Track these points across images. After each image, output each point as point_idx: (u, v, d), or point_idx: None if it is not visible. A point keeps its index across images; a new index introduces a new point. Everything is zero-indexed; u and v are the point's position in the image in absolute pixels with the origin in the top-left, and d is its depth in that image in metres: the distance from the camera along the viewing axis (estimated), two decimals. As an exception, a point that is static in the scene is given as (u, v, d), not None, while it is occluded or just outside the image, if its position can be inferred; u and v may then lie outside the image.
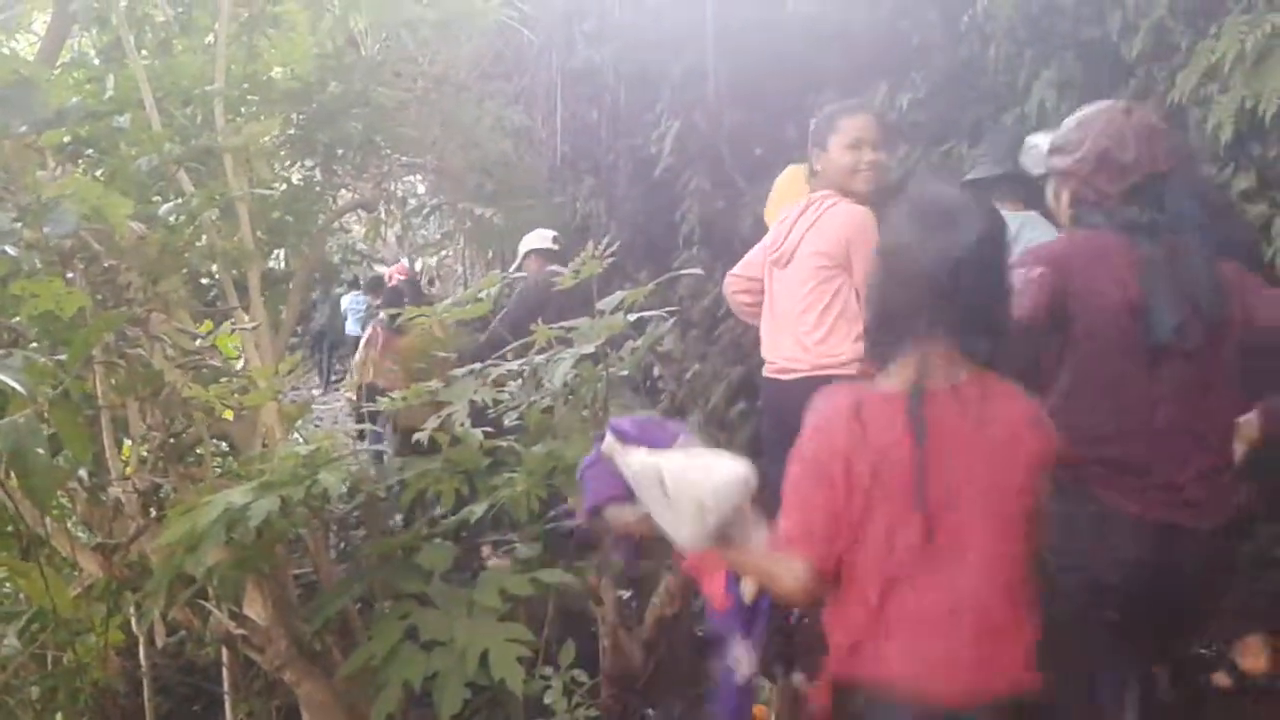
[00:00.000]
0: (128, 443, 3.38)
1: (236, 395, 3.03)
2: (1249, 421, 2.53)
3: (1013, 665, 1.88)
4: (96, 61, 4.04)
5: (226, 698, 3.48)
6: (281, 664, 3.10)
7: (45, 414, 2.24)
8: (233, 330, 3.42)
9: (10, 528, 3.13)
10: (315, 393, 14.43)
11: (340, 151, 4.54)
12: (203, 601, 3.12)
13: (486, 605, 2.95)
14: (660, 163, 6.77)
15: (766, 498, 2.00)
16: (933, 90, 5.04)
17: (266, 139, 3.82)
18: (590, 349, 3.12)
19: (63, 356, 2.44)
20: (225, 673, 3.47)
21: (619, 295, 3.27)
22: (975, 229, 1.85)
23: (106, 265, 2.93)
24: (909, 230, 1.92)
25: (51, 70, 3.56)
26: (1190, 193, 2.61)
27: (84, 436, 2.48)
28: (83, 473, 3.31)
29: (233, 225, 3.51)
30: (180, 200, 3.30)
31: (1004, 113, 4.73)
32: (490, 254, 9.49)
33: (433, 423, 3.27)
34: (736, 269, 3.87)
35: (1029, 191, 3.51)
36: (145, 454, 3.21)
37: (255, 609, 3.15)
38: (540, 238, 6.08)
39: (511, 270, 5.48)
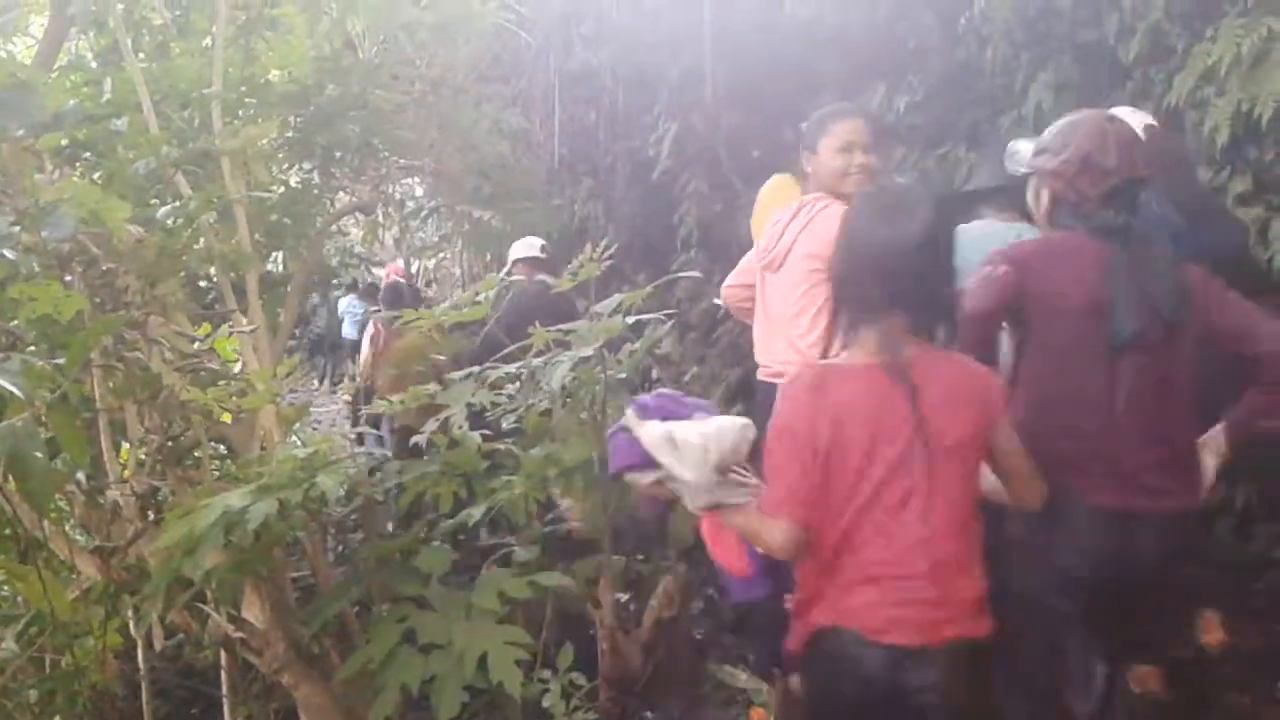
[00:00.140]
0: (126, 446, 3.38)
1: (235, 398, 3.03)
2: (1215, 437, 2.63)
3: (966, 610, 2.12)
4: (94, 64, 4.04)
5: (225, 700, 3.48)
6: (280, 667, 3.10)
7: (43, 417, 2.24)
8: (231, 333, 3.42)
9: (8, 531, 3.13)
10: (314, 396, 14.43)
11: (338, 154, 4.55)
12: (201, 604, 3.12)
13: (485, 608, 2.95)
14: (658, 165, 6.78)
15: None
16: (930, 93, 5.04)
17: (264, 142, 3.81)
18: (588, 352, 3.12)
19: (61, 360, 2.44)
20: (223, 675, 3.47)
21: (617, 298, 3.28)
22: (924, 222, 2.11)
23: (105, 268, 2.93)
24: (867, 222, 2.19)
25: (49, 73, 3.56)
26: (1168, 199, 2.85)
27: (82, 440, 2.48)
28: (81, 476, 3.30)
29: (230, 228, 3.51)
30: (178, 203, 3.30)
31: (1001, 115, 4.74)
32: (488, 256, 9.49)
33: (431, 426, 3.27)
34: (732, 279, 3.88)
35: (1023, 202, 3.53)
36: (143, 457, 3.21)
37: (253, 612, 3.15)
38: (528, 246, 6.16)
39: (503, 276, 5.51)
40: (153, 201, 3.47)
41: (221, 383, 3.09)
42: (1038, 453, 2.36)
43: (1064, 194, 2.61)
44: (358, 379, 8.23)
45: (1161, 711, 3.54)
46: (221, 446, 3.72)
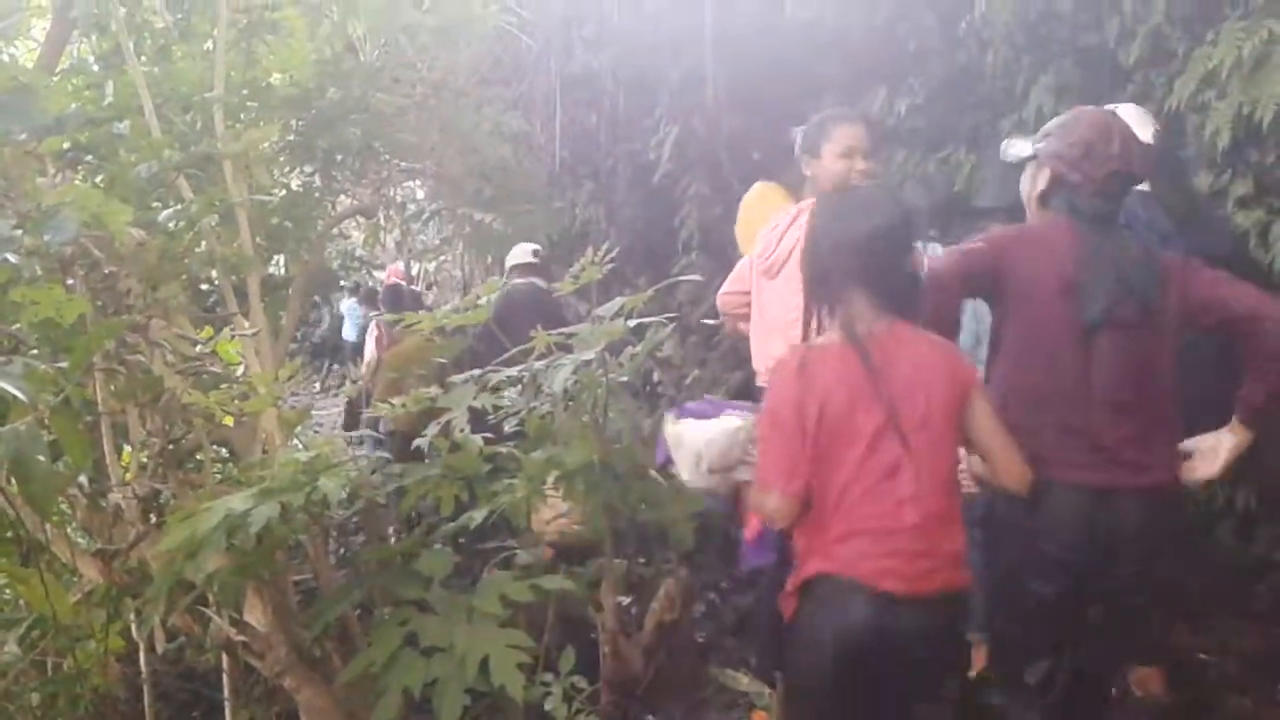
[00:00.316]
0: (127, 449, 3.38)
1: (236, 401, 3.03)
2: (1232, 427, 2.66)
3: (950, 561, 2.33)
4: (96, 68, 4.03)
5: (226, 704, 3.48)
6: (281, 670, 3.10)
7: (45, 421, 2.24)
8: (233, 336, 3.42)
9: (10, 534, 3.13)
10: (315, 399, 14.44)
11: (339, 157, 4.55)
12: (203, 608, 3.12)
13: (486, 611, 2.95)
14: (659, 168, 6.78)
15: None
16: (931, 96, 5.05)
17: (266, 145, 3.81)
18: (590, 355, 3.12)
19: (63, 363, 2.44)
20: (225, 679, 3.47)
21: (618, 301, 3.28)
22: (876, 215, 2.39)
23: (106, 272, 2.93)
24: (826, 216, 2.49)
25: (51, 77, 3.56)
26: (1158, 203, 3.07)
27: (84, 443, 2.48)
28: (83, 479, 3.31)
29: (232, 231, 3.51)
30: (180, 206, 3.30)
31: (1002, 119, 4.74)
32: (489, 259, 9.49)
33: (433, 429, 3.27)
34: (728, 286, 3.86)
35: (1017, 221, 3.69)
36: (145, 460, 3.21)
37: (255, 615, 3.15)
38: (521, 253, 6.35)
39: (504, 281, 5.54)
40: (154, 205, 3.47)
41: (223, 386, 3.09)
42: (1017, 432, 2.50)
43: (1065, 175, 2.70)
44: (360, 381, 8.23)
45: (1163, 714, 3.55)
46: (223, 450, 3.72)
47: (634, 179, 7.67)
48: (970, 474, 2.69)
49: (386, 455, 3.45)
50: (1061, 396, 2.63)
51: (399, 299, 8.97)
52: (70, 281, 2.88)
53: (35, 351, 2.80)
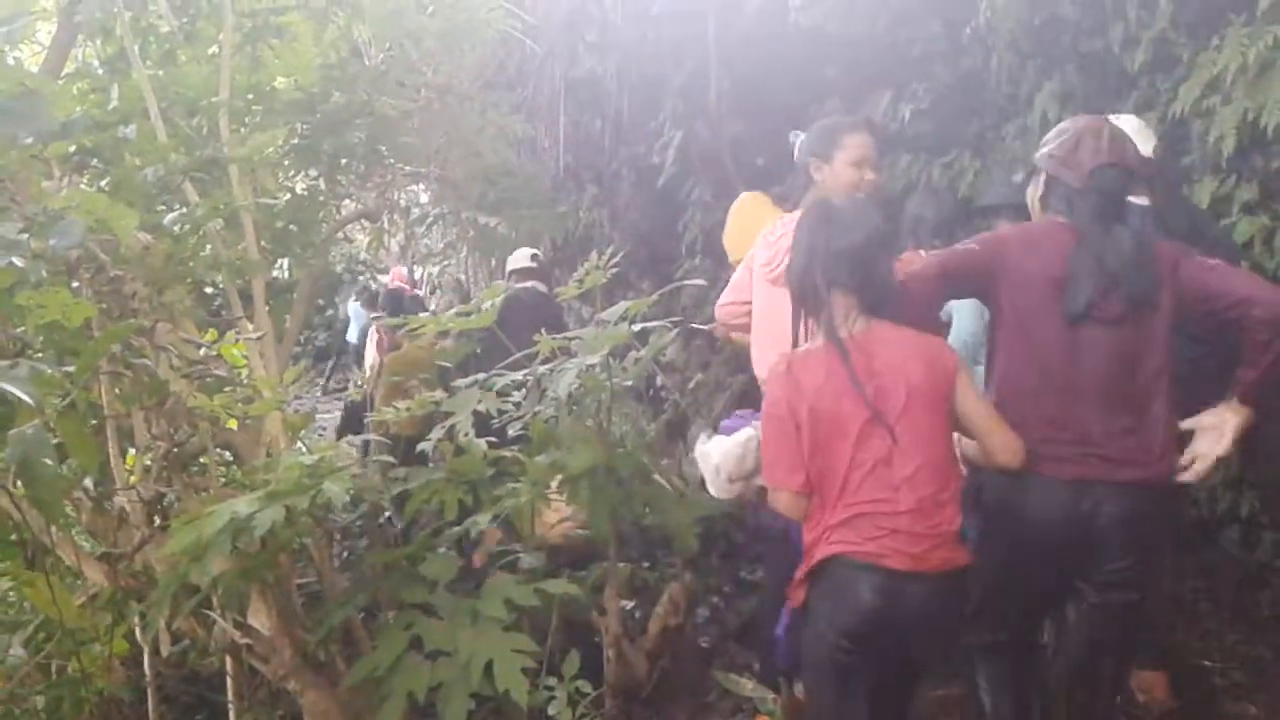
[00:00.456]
0: (132, 452, 3.39)
1: (241, 405, 3.04)
2: (1224, 405, 2.70)
3: (948, 539, 2.46)
4: (101, 72, 4.04)
5: (230, 707, 3.48)
6: (286, 673, 3.10)
7: (51, 424, 2.24)
8: (238, 340, 3.42)
9: (14, 537, 3.13)
10: (318, 402, 14.46)
11: (344, 161, 4.55)
12: (207, 611, 3.13)
13: (491, 616, 2.96)
14: (663, 173, 6.78)
15: None
16: (935, 101, 5.04)
17: (271, 149, 3.82)
18: (594, 359, 3.12)
19: (69, 367, 2.45)
20: (229, 682, 3.47)
21: (622, 305, 3.28)
22: (864, 226, 2.55)
23: (112, 275, 2.94)
24: (809, 226, 2.63)
25: (56, 81, 3.57)
26: (1156, 219, 3.15)
27: (91, 446, 2.49)
28: (88, 482, 3.31)
29: (237, 235, 3.52)
30: (185, 210, 3.31)
31: (1006, 124, 4.74)
32: (493, 263, 9.50)
33: (437, 433, 3.28)
34: (728, 296, 3.71)
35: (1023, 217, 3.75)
36: (150, 463, 3.21)
37: (260, 618, 3.15)
38: (521, 257, 6.47)
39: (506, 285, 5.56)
40: (160, 209, 3.48)
41: (228, 389, 3.09)
42: (1009, 422, 2.62)
43: (1060, 175, 2.79)
44: (363, 385, 8.23)
45: (1164, 714, 3.55)
46: (227, 453, 3.72)
47: (638, 183, 7.66)
48: (961, 457, 2.76)
49: (390, 460, 3.44)
50: (1046, 390, 2.70)
51: (399, 303, 8.98)
52: (76, 285, 2.89)
53: (41, 355, 2.80)
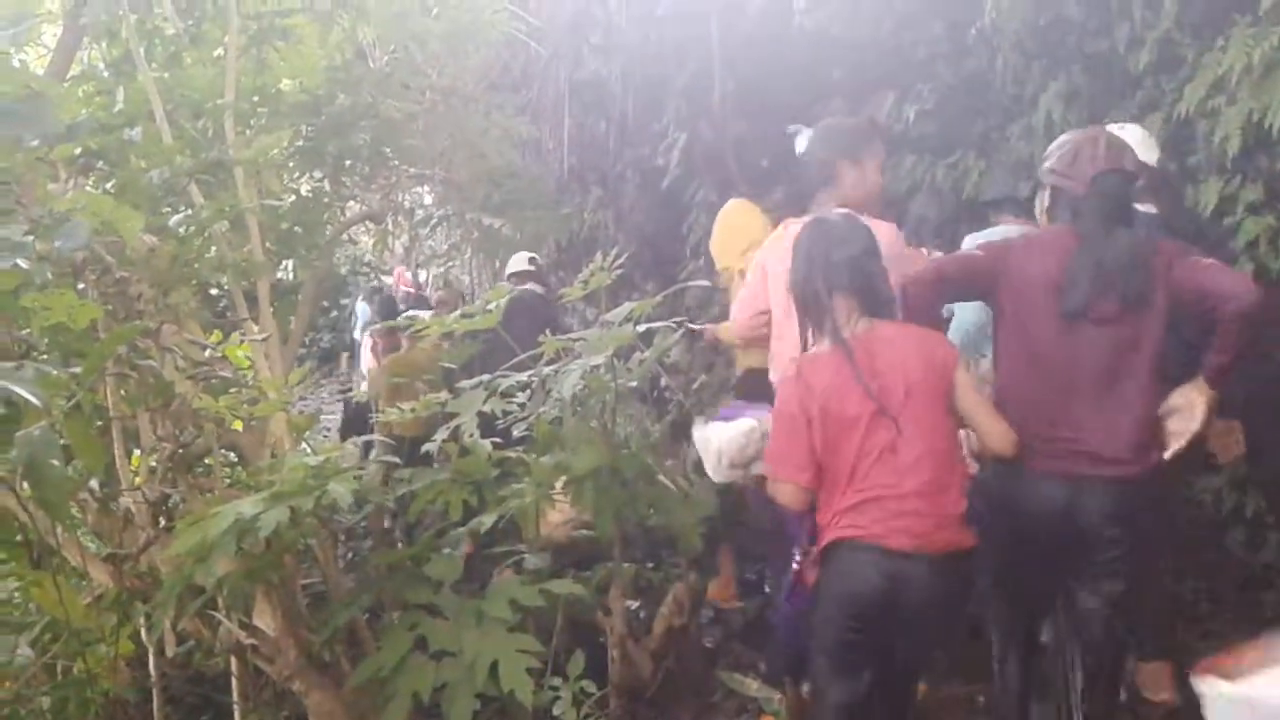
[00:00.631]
0: (138, 453, 3.39)
1: (246, 406, 3.04)
2: (1192, 384, 2.78)
3: (951, 521, 2.62)
4: (106, 74, 4.04)
5: (235, 707, 3.48)
6: (290, 674, 3.11)
7: (57, 425, 2.25)
8: (243, 341, 3.43)
9: (20, 537, 3.14)
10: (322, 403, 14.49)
11: (349, 163, 4.56)
12: (212, 612, 3.13)
13: (496, 616, 2.96)
14: (667, 174, 6.78)
15: None
16: (940, 102, 5.04)
17: (276, 151, 3.83)
18: (599, 360, 3.13)
19: (75, 368, 2.45)
20: (234, 682, 3.47)
21: (626, 306, 3.28)
22: (859, 237, 2.78)
23: (118, 277, 2.94)
24: (810, 238, 2.83)
25: (62, 83, 3.58)
26: (1161, 225, 3.21)
27: (97, 447, 2.49)
28: (93, 483, 3.32)
29: (243, 237, 3.53)
30: (191, 212, 3.32)
31: (1011, 125, 4.73)
32: (497, 264, 9.50)
33: (442, 434, 3.28)
34: (746, 311, 3.59)
35: (1026, 211, 3.94)
36: (155, 464, 3.22)
37: (264, 619, 3.16)
38: (519, 261, 6.56)
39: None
40: (166, 210, 3.48)
41: (233, 390, 3.10)
42: (1010, 422, 2.77)
43: (1062, 185, 2.91)
44: (365, 388, 8.22)
45: (1170, 715, 3.54)
46: (232, 454, 3.73)
47: (642, 185, 7.66)
48: (969, 452, 3.00)
49: (395, 460, 3.44)
50: (1044, 389, 2.82)
51: (392, 308, 9.03)
52: (81, 287, 2.89)
53: (46, 356, 2.81)
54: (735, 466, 3.02)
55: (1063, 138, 3.01)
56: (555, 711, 3.45)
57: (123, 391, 3.17)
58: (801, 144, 3.57)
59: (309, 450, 3.34)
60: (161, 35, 4.13)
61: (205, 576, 2.72)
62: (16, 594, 3.55)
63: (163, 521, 3.25)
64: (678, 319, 3.47)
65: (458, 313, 3.61)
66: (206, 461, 3.49)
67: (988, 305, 3.05)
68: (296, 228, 4.24)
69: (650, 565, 5.19)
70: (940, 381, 2.70)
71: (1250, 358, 2.77)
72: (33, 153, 2.89)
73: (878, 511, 2.61)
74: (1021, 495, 2.86)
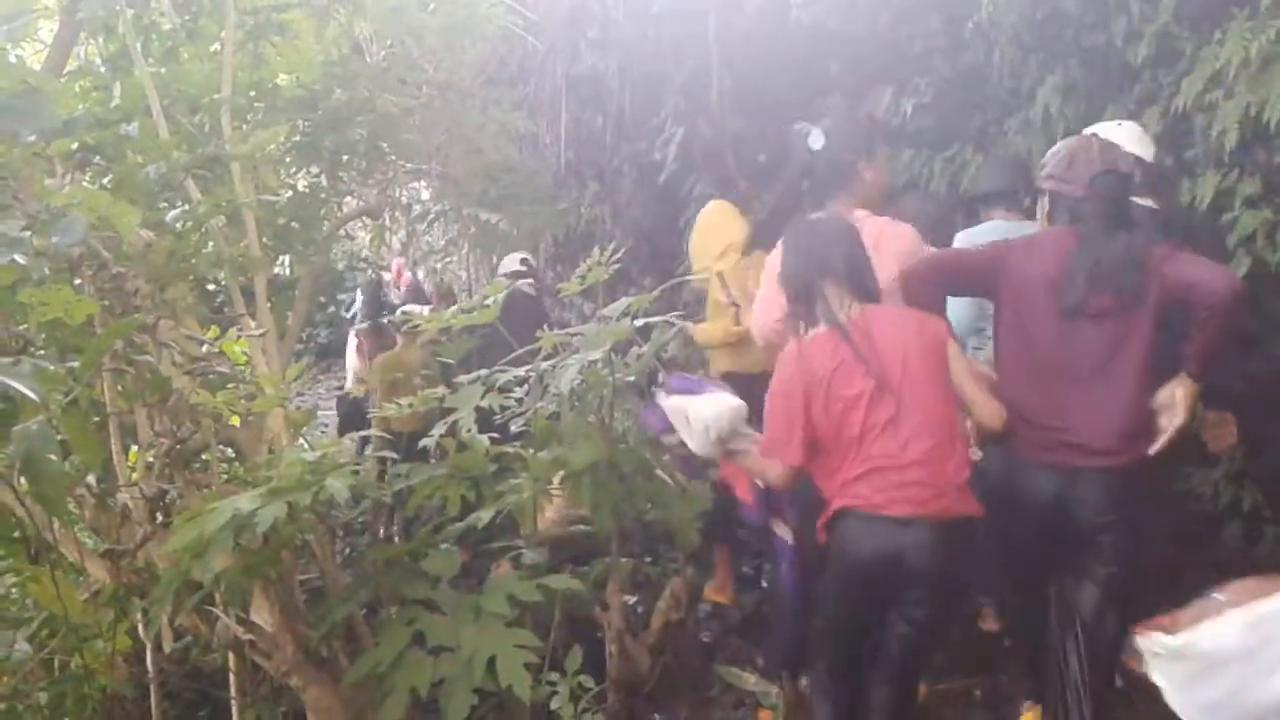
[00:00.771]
0: (135, 449, 3.39)
1: (243, 401, 3.04)
2: (1180, 382, 2.86)
3: (952, 489, 2.75)
4: (103, 70, 4.04)
5: (233, 703, 3.49)
6: (288, 669, 3.11)
7: (54, 421, 2.24)
8: (240, 336, 3.43)
9: (18, 533, 3.14)
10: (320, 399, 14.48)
11: (346, 158, 4.56)
12: (210, 607, 3.13)
13: (493, 611, 2.96)
14: (664, 169, 6.78)
15: None
16: (937, 96, 5.04)
17: (273, 146, 3.82)
18: (596, 355, 3.12)
19: (72, 363, 2.45)
20: (232, 678, 3.47)
21: (624, 301, 3.28)
22: (848, 234, 2.97)
23: (115, 272, 2.93)
24: (798, 234, 3.03)
25: (58, 79, 3.57)
26: (1157, 221, 3.21)
27: (94, 443, 2.49)
28: (91, 479, 3.31)
29: (239, 232, 3.52)
30: (187, 207, 3.31)
31: (1008, 119, 4.73)
32: (495, 259, 9.49)
33: (439, 429, 3.28)
34: (765, 316, 3.46)
35: (1018, 205, 4.16)
36: (152, 460, 3.22)
37: (262, 615, 3.16)
38: (511, 262, 6.63)
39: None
40: (162, 206, 3.48)
41: (230, 386, 3.09)
42: (1010, 414, 2.93)
43: (1061, 189, 3.05)
44: (353, 386, 8.22)
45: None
46: (230, 450, 3.73)
47: (639, 180, 7.66)
48: (972, 437, 3.15)
49: (392, 455, 3.44)
50: (1041, 383, 2.95)
51: (378, 307, 9.05)
52: (78, 282, 2.89)
53: (44, 352, 2.80)
54: (722, 442, 3.04)
55: (1056, 146, 3.15)
56: (553, 706, 3.45)
57: (120, 387, 3.17)
58: (818, 141, 3.44)
59: (306, 445, 3.34)
60: (158, 30, 4.11)
61: (202, 572, 2.72)
62: (14, 589, 3.55)
63: (160, 517, 3.24)
64: (675, 314, 3.47)
65: (454, 309, 3.61)
66: (204, 457, 3.49)
67: (987, 301, 3.16)
68: (293, 223, 4.24)
69: (648, 560, 5.20)
70: (935, 354, 2.84)
71: (1236, 351, 2.83)
72: (29, 148, 2.89)
73: (880, 481, 2.74)
74: (1015, 485, 3.01)
